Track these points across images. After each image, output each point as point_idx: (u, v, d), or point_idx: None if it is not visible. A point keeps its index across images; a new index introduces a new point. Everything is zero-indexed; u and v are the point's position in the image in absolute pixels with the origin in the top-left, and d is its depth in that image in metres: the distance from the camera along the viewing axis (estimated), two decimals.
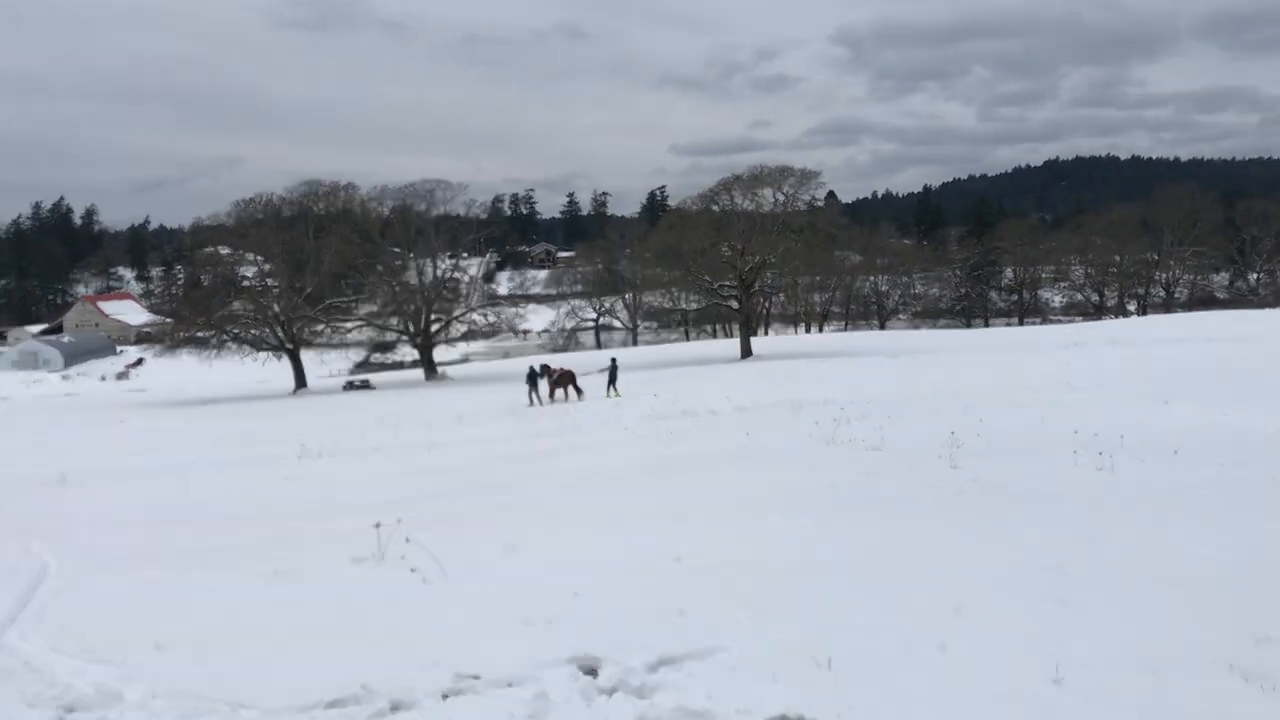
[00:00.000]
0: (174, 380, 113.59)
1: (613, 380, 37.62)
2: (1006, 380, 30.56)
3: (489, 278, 78.19)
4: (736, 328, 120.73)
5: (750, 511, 11.66)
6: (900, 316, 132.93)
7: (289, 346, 69.16)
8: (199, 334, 67.77)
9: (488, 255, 74.09)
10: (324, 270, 68.44)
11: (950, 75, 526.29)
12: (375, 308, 75.80)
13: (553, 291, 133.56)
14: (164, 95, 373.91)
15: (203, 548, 11.40)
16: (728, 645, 6.93)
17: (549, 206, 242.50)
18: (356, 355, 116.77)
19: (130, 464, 26.31)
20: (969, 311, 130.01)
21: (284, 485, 17.58)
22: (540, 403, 36.74)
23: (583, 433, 24.57)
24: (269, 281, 69.45)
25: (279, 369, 79.49)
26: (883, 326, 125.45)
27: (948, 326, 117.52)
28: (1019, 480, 12.68)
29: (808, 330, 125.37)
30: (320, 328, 72.98)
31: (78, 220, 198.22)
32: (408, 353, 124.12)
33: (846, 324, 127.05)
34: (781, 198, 74.57)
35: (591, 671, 6.73)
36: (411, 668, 6.76)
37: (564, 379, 37.76)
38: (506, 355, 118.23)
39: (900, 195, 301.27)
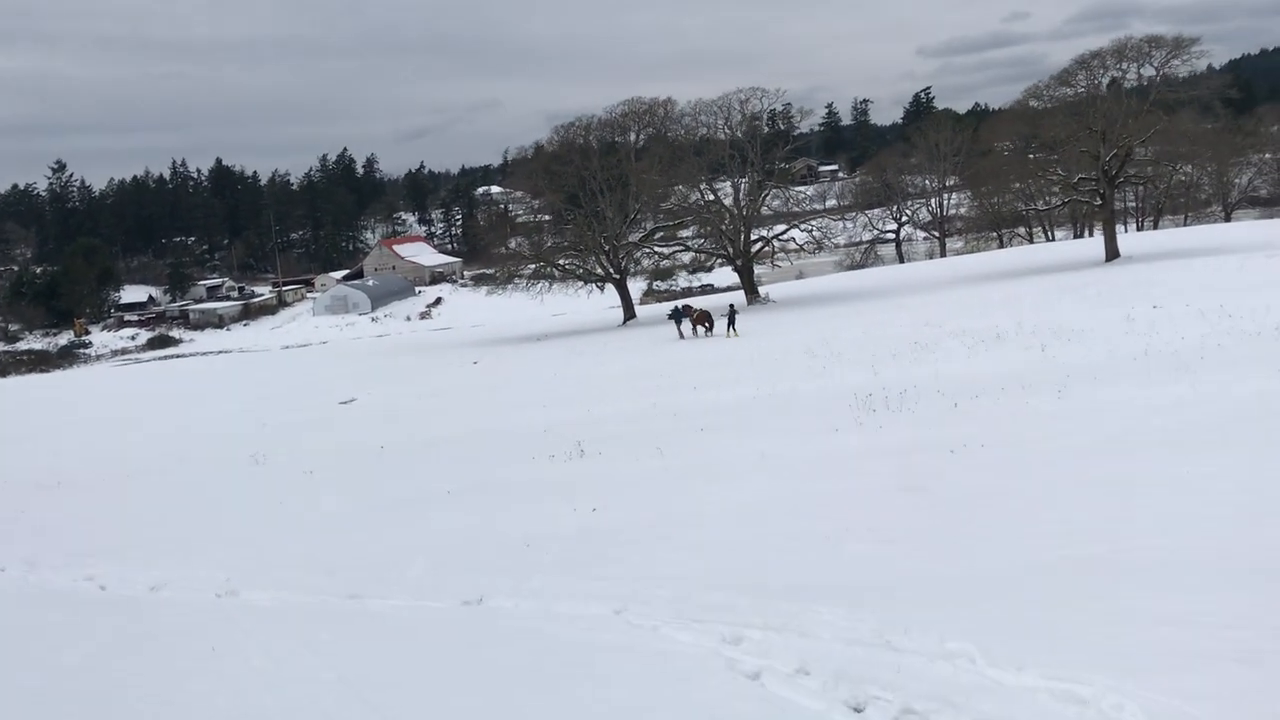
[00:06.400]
0: (472, 317, 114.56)
1: (731, 322, 42.87)
2: None
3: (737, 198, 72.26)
4: (1047, 230, 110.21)
5: None
6: (1243, 208, 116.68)
7: (615, 276, 65.42)
8: (529, 269, 65.16)
9: (748, 172, 67.29)
10: (647, 193, 64.18)
11: None
12: (690, 230, 71.10)
13: (832, 204, 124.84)
14: (426, 45, 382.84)
15: None
16: None
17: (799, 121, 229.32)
18: (643, 284, 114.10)
19: (602, 413, 21.58)
20: None
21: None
22: (685, 336, 44.32)
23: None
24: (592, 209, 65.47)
25: (573, 302, 76.69)
26: (1228, 218, 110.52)
27: None
28: None
29: (1139, 227, 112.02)
30: (638, 255, 69.11)
31: (360, 170, 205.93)
32: (686, 279, 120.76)
33: (1186, 218, 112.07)
34: (1151, 72, 64.54)
35: None
36: None
37: (702, 317, 44.82)
38: (800, 275, 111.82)
39: (1180, 78, 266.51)
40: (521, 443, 19.18)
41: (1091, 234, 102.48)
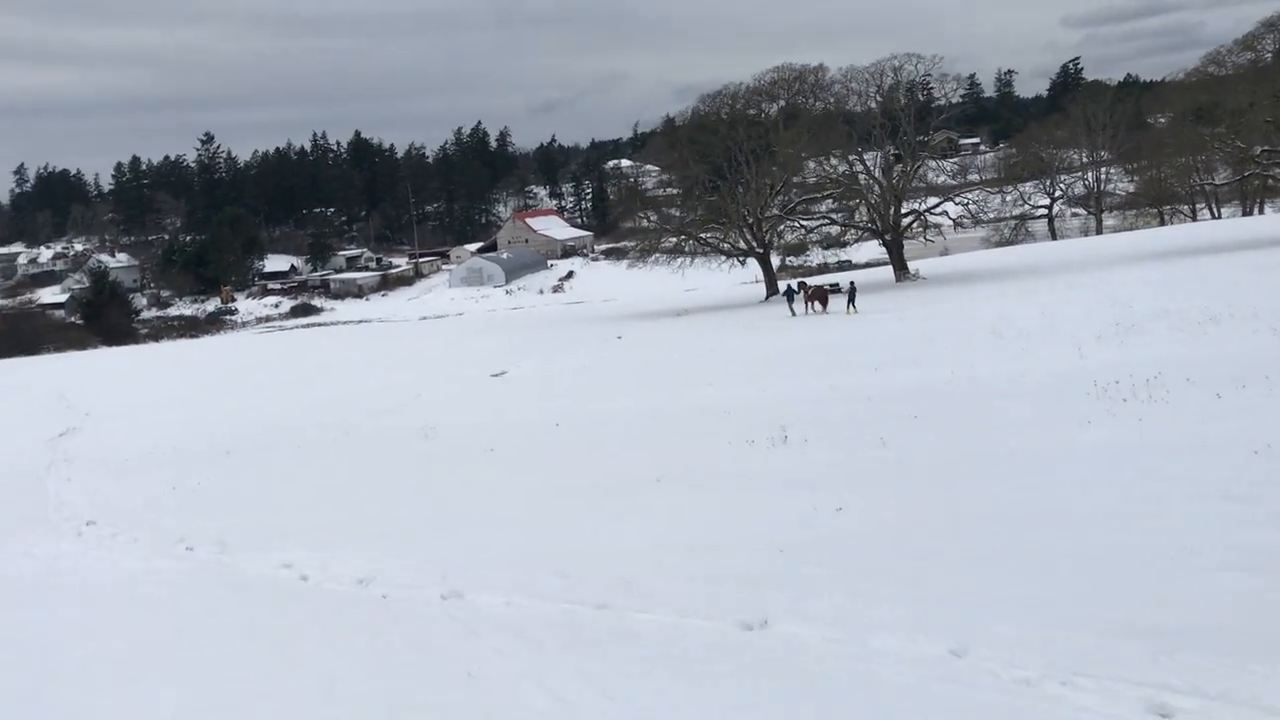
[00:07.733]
0: (603, 291, 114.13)
1: (851, 299, 41.79)
2: None
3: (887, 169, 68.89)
4: (1213, 207, 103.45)
5: None
6: None
7: (759, 250, 63.69)
8: (669, 242, 63.82)
9: (900, 142, 64.01)
10: (794, 164, 62.27)
11: None
12: (826, 204, 68.71)
13: (974, 178, 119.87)
14: (558, 17, 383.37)
15: None
16: None
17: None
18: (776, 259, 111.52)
19: (780, 394, 20.09)
20: None
21: None
22: (797, 314, 43.76)
23: None
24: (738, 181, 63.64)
25: (705, 277, 74.84)
26: None
27: None
28: None
29: None
30: (780, 228, 67.30)
31: (493, 144, 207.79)
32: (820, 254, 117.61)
33: None
34: None
35: None
36: None
37: (818, 294, 44.27)
38: (945, 251, 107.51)
39: None
40: (708, 424, 17.85)
41: (1263, 211, 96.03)
